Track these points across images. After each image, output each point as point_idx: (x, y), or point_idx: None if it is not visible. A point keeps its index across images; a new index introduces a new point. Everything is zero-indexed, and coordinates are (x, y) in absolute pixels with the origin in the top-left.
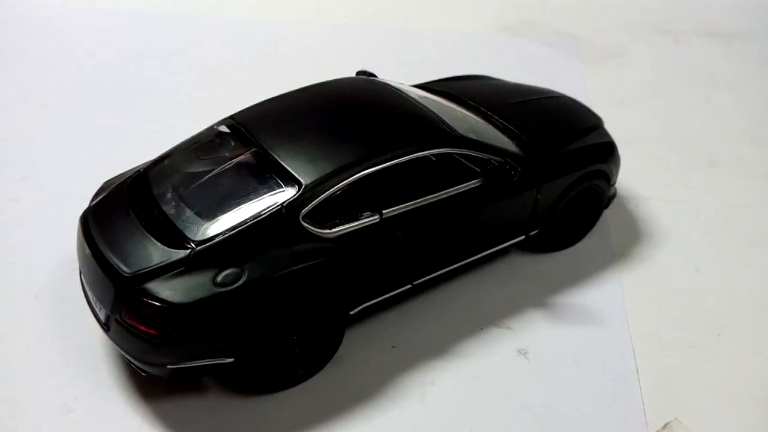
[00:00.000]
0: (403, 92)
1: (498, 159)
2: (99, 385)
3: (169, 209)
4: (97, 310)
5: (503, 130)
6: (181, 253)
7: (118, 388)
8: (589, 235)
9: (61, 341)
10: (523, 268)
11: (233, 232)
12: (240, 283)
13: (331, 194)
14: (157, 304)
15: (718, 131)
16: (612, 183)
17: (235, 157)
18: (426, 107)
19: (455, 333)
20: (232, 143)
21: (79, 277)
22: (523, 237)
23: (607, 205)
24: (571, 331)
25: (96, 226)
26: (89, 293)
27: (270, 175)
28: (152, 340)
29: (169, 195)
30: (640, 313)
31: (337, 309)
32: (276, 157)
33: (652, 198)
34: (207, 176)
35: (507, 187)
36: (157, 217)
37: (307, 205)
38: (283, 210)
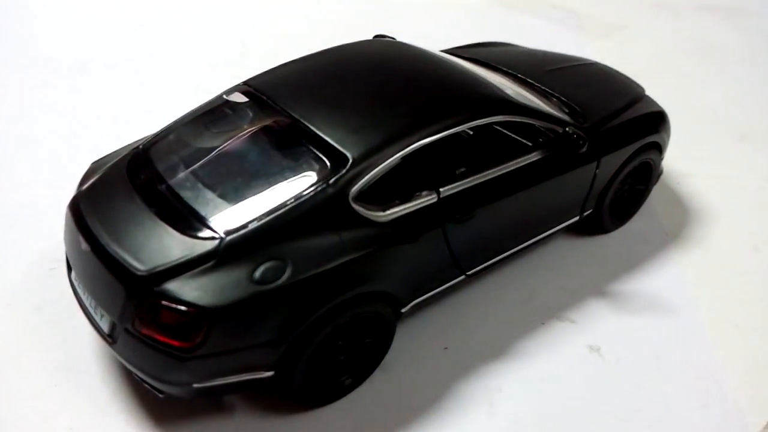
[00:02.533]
0: (440, 56)
1: (560, 129)
2: (99, 411)
3: (185, 192)
4: (97, 318)
5: (548, 98)
6: (208, 245)
7: (123, 412)
8: (635, 214)
9: (45, 358)
10: (573, 254)
11: (270, 217)
12: (284, 279)
13: (383, 170)
14: (183, 308)
15: (740, 105)
16: (663, 156)
17: (257, 129)
18: (473, 72)
19: (513, 330)
20: (251, 113)
21: (68, 278)
22: (577, 218)
23: (656, 181)
24: (641, 321)
25: (92, 215)
26: (86, 298)
27: (306, 148)
28: (176, 354)
29: (181, 175)
30: (710, 299)
31: (390, 306)
32: (312, 127)
33: (692, 174)
34: (226, 152)
35: (569, 161)
36: (169, 202)
37: (356, 183)
38: (330, 189)
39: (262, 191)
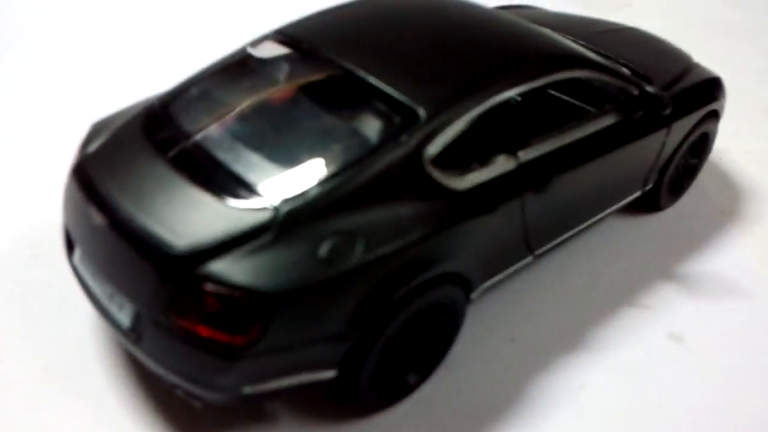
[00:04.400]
0: (494, 10)
1: (635, 90)
2: (107, 425)
3: (222, 154)
4: (113, 309)
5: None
6: (260, 216)
7: (140, 426)
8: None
9: (36, 362)
10: (628, 234)
11: (333, 183)
12: (354, 257)
13: (459, 128)
14: (235, 294)
15: (758, 81)
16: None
17: (300, 83)
18: (536, 26)
19: (582, 318)
20: (288, 65)
21: (68, 261)
22: (639, 192)
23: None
24: (718, 306)
25: (106, 182)
26: (97, 284)
27: (365, 103)
28: (226, 352)
29: (214, 135)
30: None
31: (463, 290)
32: (369, 78)
33: (730, 149)
34: (266, 109)
35: (643, 125)
36: (204, 166)
37: (431, 143)
38: (401, 150)
39: (318, 153)
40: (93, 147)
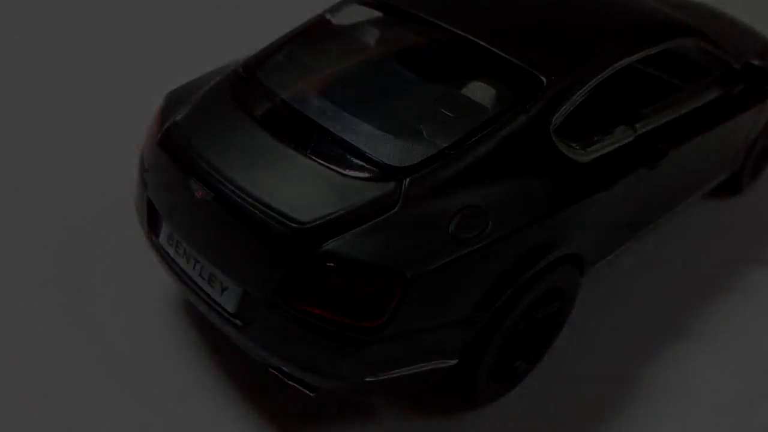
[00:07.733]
0: None
1: (735, 63)
2: (206, 424)
3: (329, 122)
4: (214, 293)
5: None
6: (383, 188)
7: (237, 421)
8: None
9: (114, 358)
10: (711, 218)
11: (457, 152)
12: (486, 233)
13: (582, 95)
14: (365, 273)
15: None
16: None
17: (402, 47)
18: None
19: (682, 305)
20: (382, 30)
21: (150, 241)
22: (728, 174)
23: None
24: None
25: (205, 152)
26: (193, 265)
27: (481, 69)
28: (354, 336)
29: (315, 102)
30: None
31: (580, 270)
32: (483, 42)
33: None
34: (368, 75)
35: (741, 101)
36: (311, 134)
37: (556, 111)
38: (525, 117)
39: (434, 122)
40: (179, 116)
